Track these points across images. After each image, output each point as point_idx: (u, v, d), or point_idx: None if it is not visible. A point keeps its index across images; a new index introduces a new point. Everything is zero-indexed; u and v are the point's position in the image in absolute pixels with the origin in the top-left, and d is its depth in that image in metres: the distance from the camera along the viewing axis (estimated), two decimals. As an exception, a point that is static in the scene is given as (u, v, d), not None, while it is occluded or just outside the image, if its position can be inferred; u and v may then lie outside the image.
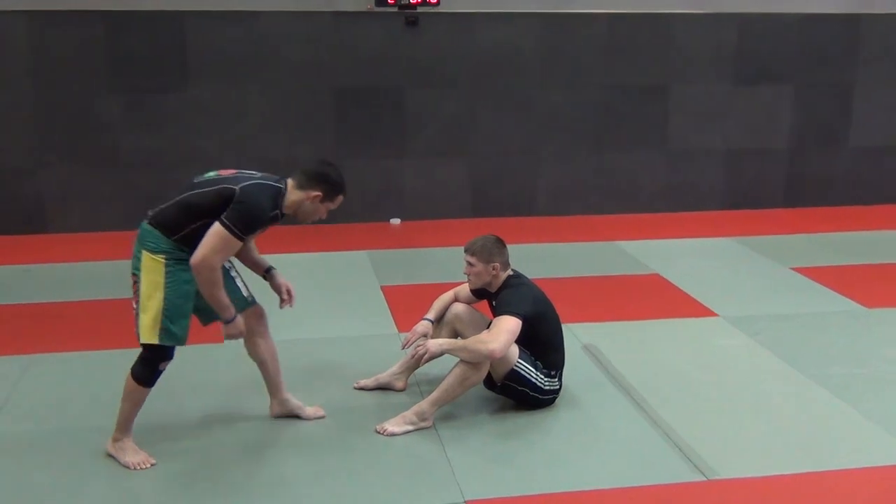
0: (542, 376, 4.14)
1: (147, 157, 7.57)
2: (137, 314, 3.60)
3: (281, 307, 4.00)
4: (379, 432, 3.97)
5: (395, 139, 7.91)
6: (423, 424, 4.00)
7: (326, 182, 3.70)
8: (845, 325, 5.43)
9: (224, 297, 3.60)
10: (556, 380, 4.22)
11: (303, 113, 7.74)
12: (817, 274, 6.42)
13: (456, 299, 4.42)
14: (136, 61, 7.40)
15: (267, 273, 3.97)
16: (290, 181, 3.70)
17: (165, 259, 3.56)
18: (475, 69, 7.88)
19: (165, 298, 3.56)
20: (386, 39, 7.70)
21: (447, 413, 4.12)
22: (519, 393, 4.13)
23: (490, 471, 3.68)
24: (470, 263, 4.17)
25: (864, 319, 5.53)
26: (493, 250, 4.15)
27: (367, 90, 7.78)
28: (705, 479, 3.63)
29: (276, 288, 3.97)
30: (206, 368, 4.68)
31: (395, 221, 7.94)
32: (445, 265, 6.31)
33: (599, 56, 8.03)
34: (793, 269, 6.59)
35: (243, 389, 4.40)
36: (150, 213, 3.67)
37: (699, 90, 8.25)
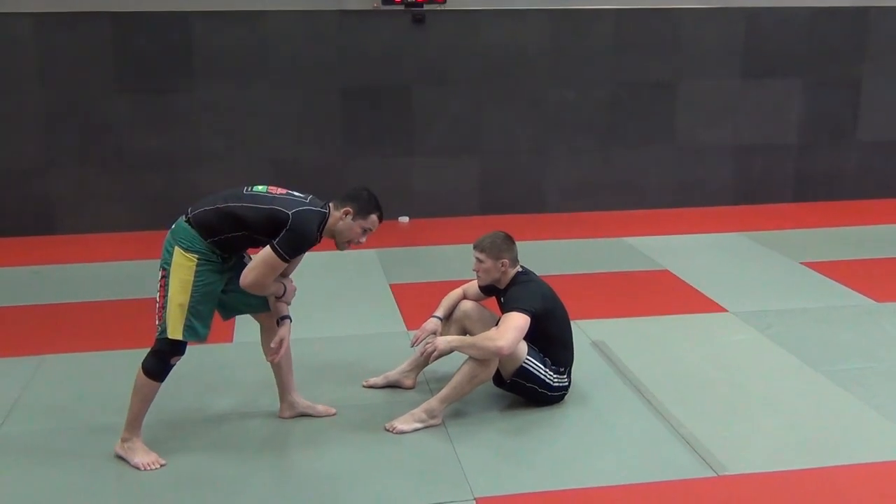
0: (552, 373, 4.13)
1: (155, 157, 7.58)
2: (163, 308, 3.65)
3: (267, 357, 3.96)
4: (388, 430, 3.97)
5: (402, 138, 7.91)
6: (432, 422, 4.00)
7: (357, 199, 3.80)
8: (856, 320, 5.40)
9: (273, 288, 3.76)
10: (566, 376, 4.21)
11: (310, 112, 7.74)
12: (827, 268, 6.40)
13: (465, 296, 4.42)
14: (143, 62, 7.41)
15: (280, 320, 3.92)
16: (330, 205, 3.80)
17: (198, 259, 3.63)
18: (482, 67, 7.87)
19: (192, 297, 3.62)
20: (393, 38, 7.70)
21: (456, 410, 4.12)
22: (528, 390, 4.13)
23: (500, 468, 3.68)
24: (479, 260, 4.17)
25: (875, 313, 5.51)
26: (501, 247, 4.14)
27: (375, 89, 7.78)
28: (716, 475, 3.61)
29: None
30: (217, 368, 4.69)
31: (404, 220, 7.95)
32: (454, 263, 6.30)
33: (607, 52, 8.01)
34: (803, 263, 6.56)
35: (254, 389, 4.41)
36: (189, 210, 3.71)
37: (707, 86, 8.23)
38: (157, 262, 3.71)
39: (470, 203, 8.11)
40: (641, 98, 8.15)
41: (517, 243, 4.24)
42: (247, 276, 3.64)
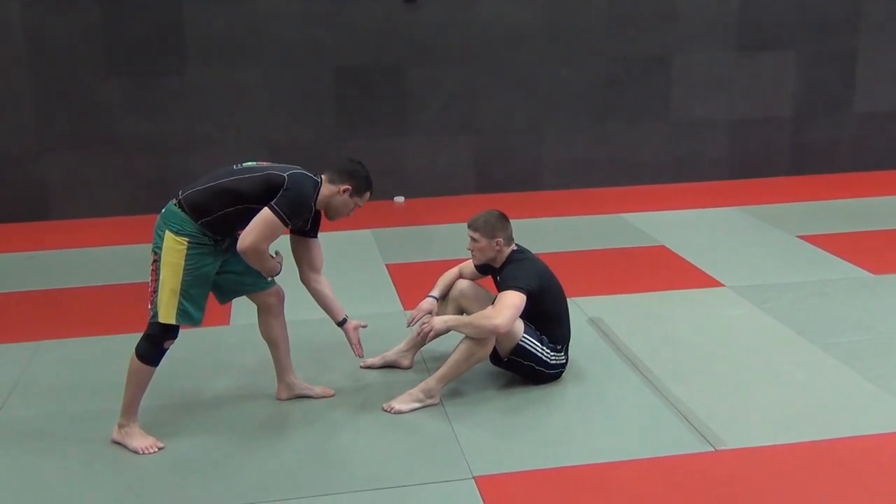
0: (548, 350, 4.13)
1: (147, 141, 7.54)
2: (155, 292, 3.64)
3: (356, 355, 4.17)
4: (386, 410, 3.98)
5: (396, 117, 7.88)
6: (430, 401, 4.00)
7: (356, 177, 3.84)
8: (852, 293, 5.40)
9: (271, 263, 3.77)
10: (563, 354, 4.22)
11: (303, 93, 7.70)
12: (823, 241, 6.39)
13: (460, 276, 4.41)
14: (133, 45, 7.36)
15: (342, 323, 4.10)
16: (323, 176, 3.82)
17: (188, 242, 3.61)
18: (476, 45, 7.81)
19: (184, 281, 3.61)
20: (385, 17, 7.64)
21: (454, 389, 4.12)
22: (525, 368, 4.13)
23: (498, 446, 3.69)
24: (473, 239, 4.16)
25: (871, 286, 5.51)
26: (496, 225, 4.13)
27: (368, 69, 7.73)
28: (713, 449, 3.62)
29: (349, 340, 4.14)
30: (214, 351, 4.69)
31: (399, 199, 7.92)
32: (450, 242, 6.29)
33: (601, 28, 7.96)
34: (799, 237, 6.56)
35: (251, 371, 4.41)
36: (180, 193, 3.70)
37: (702, 60, 8.18)
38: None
39: (465, 182, 8.08)
40: (636, 73, 8.11)
41: (513, 221, 4.23)
42: (244, 239, 3.60)
